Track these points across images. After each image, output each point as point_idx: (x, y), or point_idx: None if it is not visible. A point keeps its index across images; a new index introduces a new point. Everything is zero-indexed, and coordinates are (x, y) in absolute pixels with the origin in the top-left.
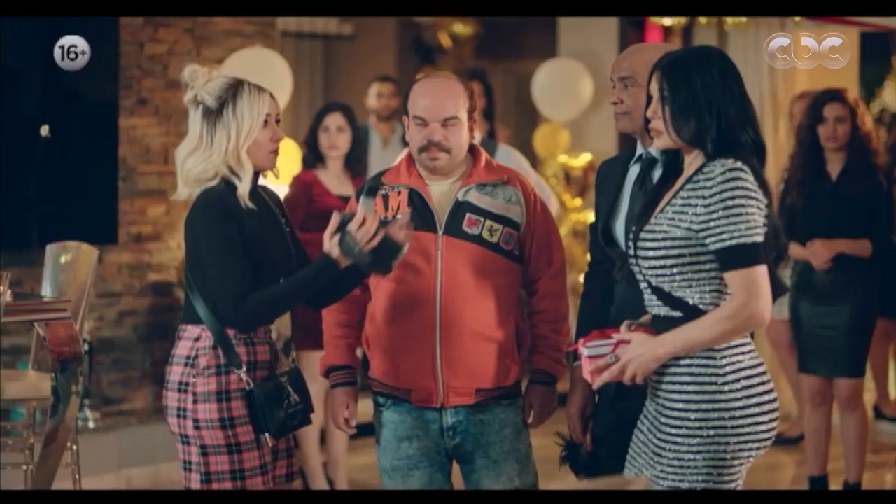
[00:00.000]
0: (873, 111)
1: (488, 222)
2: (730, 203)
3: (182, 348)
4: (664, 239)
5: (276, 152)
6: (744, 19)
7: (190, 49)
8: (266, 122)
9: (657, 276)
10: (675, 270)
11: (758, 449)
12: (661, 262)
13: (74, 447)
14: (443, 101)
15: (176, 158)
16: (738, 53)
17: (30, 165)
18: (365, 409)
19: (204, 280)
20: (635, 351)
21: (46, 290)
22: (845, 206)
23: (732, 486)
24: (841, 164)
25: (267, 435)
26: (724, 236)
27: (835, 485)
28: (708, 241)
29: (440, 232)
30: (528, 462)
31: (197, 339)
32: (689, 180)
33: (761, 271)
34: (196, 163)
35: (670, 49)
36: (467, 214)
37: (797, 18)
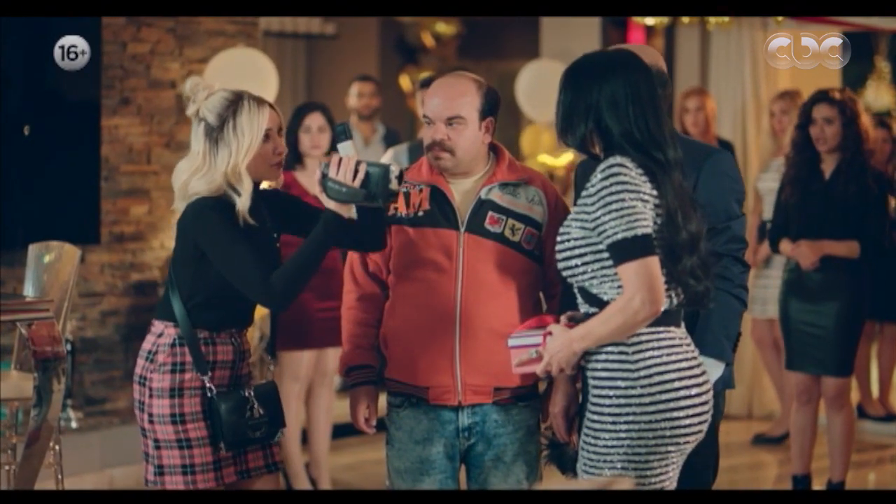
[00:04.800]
0: None
1: (510, 221)
2: (609, 199)
3: (147, 342)
4: (567, 240)
5: (279, 165)
6: (726, 19)
7: (172, 49)
8: (268, 135)
9: (571, 275)
10: (582, 269)
11: (677, 444)
12: (567, 263)
13: (57, 447)
14: (448, 100)
15: (176, 173)
16: (721, 53)
17: (12, 165)
18: (343, 409)
19: (190, 279)
20: (554, 347)
21: (29, 290)
22: (836, 206)
23: (659, 481)
24: (834, 164)
25: (221, 444)
26: (609, 232)
27: (818, 484)
28: (600, 238)
29: (462, 229)
30: (536, 465)
31: (160, 336)
32: (587, 181)
33: (648, 262)
34: (199, 183)
35: (645, 50)
36: (489, 213)
37: (780, 18)
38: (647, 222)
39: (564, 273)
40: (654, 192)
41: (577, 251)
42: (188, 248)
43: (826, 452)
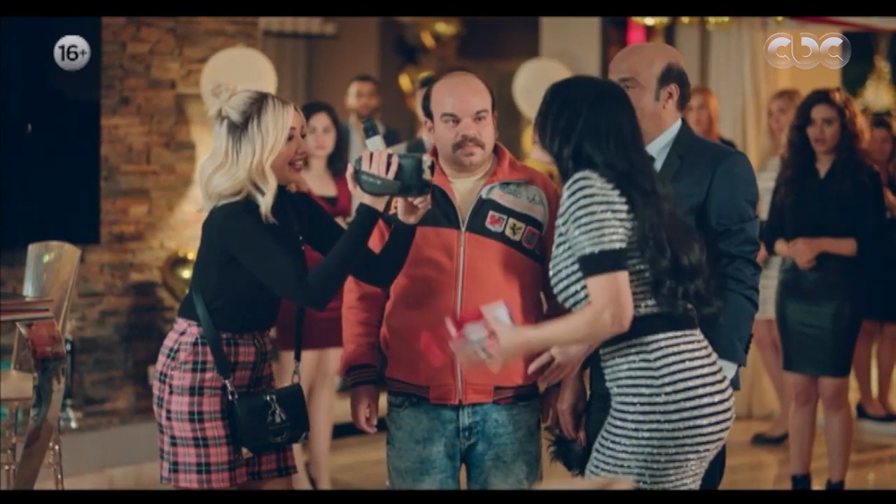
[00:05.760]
0: None
1: (511, 220)
2: (577, 214)
3: (169, 339)
4: (558, 269)
5: (300, 166)
6: (726, 19)
7: (172, 48)
8: (291, 135)
9: (574, 302)
10: (571, 289)
11: (697, 452)
12: (566, 293)
13: (56, 447)
14: (471, 96)
15: (200, 172)
16: (721, 53)
17: (12, 165)
18: (343, 409)
19: (214, 283)
20: (502, 345)
21: (29, 290)
22: (832, 205)
23: (674, 489)
24: (830, 164)
25: (243, 449)
26: (578, 246)
27: (817, 484)
28: (573, 252)
29: (463, 228)
30: (536, 465)
31: (182, 333)
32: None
33: (618, 277)
34: (222, 180)
35: (668, 50)
36: (490, 212)
37: (780, 18)
38: (617, 236)
39: (562, 300)
40: (623, 199)
41: (572, 277)
42: (213, 253)
43: (825, 452)
